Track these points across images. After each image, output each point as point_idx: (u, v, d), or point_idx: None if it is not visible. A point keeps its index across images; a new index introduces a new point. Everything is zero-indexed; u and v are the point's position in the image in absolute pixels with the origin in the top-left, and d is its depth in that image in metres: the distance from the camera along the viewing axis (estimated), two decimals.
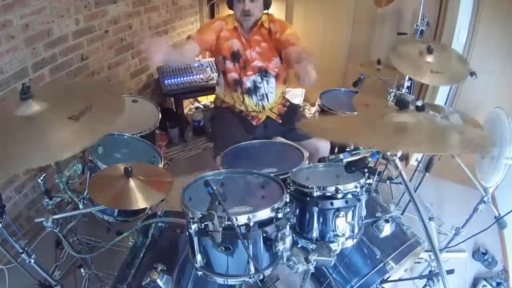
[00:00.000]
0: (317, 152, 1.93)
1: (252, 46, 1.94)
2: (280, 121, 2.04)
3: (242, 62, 1.95)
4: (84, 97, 1.12)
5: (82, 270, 1.61)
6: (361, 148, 1.15)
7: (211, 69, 3.03)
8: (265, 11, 1.94)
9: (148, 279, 1.07)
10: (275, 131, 2.06)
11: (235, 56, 1.94)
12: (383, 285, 1.31)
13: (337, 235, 1.11)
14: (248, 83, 1.97)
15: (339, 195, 1.09)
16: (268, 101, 2.01)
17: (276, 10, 1.88)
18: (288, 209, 1.05)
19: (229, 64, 1.96)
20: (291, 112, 2.07)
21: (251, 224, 0.96)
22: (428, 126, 1.05)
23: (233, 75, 1.98)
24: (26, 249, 1.19)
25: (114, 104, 1.12)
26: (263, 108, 2.02)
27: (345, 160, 1.14)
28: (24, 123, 0.98)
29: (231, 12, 1.97)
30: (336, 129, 1.19)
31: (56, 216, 1.24)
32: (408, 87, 2.19)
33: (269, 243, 1.02)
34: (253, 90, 1.99)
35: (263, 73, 1.97)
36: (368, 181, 1.15)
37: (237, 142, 1.70)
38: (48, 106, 1.02)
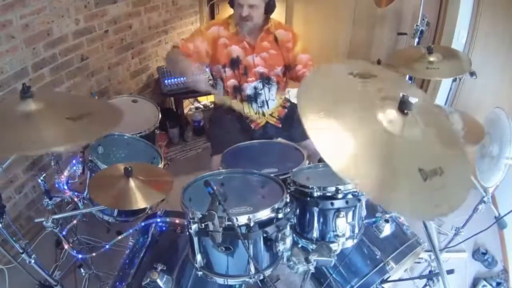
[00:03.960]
0: (318, 152, 1.91)
1: (257, 51, 1.88)
2: (280, 125, 2.00)
3: (242, 68, 1.88)
4: (84, 105, 1.13)
5: (82, 270, 1.61)
6: None
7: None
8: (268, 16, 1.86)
9: (148, 279, 1.07)
10: (274, 134, 2.03)
11: (234, 63, 1.87)
12: (383, 285, 1.31)
13: (337, 235, 1.11)
14: (248, 90, 1.92)
15: (340, 195, 1.09)
16: (268, 107, 1.98)
17: (276, 10, 1.87)
18: (289, 209, 1.05)
19: (228, 72, 1.89)
20: (291, 113, 2.04)
21: (252, 224, 0.96)
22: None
23: (233, 81, 1.92)
24: (26, 249, 1.20)
25: (113, 115, 1.13)
26: (263, 114, 1.99)
27: None
28: (22, 118, 0.98)
29: (231, 12, 1.89)
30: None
31: (56, 216, 1.24)
32: None
33: (270, 243, 1.02)
34: (253, 97, 1.94)
35: (265, 79, 1.92)
36: None
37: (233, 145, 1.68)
38: (47, 106, 1.01)
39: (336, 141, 0.77)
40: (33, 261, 1.21)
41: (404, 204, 0.77)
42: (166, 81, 2.94)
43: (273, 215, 1.00)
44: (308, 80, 0.93)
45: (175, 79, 2.94)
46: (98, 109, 1.15)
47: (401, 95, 0.82)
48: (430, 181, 0.77)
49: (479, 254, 2.03)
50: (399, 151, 0.80)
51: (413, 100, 0.80)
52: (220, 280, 1.05)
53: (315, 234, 1.15)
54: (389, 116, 0.82)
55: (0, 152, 0.99)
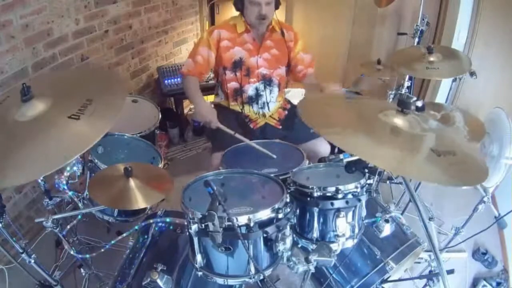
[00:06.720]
0: (316, 155, 1.90)
1: (261, 52, 1.86)
2: (280, 127, 1.98)
3: (244, 69, 1.87)
4: (83, 91, 1.08)
5: (82, 270, 1.61)
6: None
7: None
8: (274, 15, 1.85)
9: (148, 279, 1.07)
10: (273, 135, 1.99)
11: (237, 65, 1.86)
12: (383, 285, 1.31)
13: (337, 235, 1.11)
14: (250, 91, 1.90)
15: (340, 195, 1.09)
16: (269, 109, 1.97)
17: (276, 10, 1.86)
18: (289, 209, 1.05)
19: (229, 74, 1.88)
20: (292, 115, 2.02)
21: (252, 224, 0.96)
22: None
23: (234, 84, 1.90)
24: (26, 249, 1.19)
25: (116, 94, 1.08)
26: (263, 115, 1.98)
27: (345, 160, 1.14)
28: (26, 128, 0.95)
29: (232, 13, 1.89)
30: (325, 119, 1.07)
31: (56, 216, 1.24)
32: (408, 87, 2.19)
33: (270, 243, 1.02)
34: (255, 98, 1.92)
35: (267, 81, 1.91)
36: (368, 181, 1.15)
37: (233, 143, 1.68)
38: (48, 105, 1.00)
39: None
40: (33, 261, 1.21)
41: (426, 173, 0.85)
42: (166, 81, 2.94)
43: (273, 215, 1.00)
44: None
45: (175, 79, 2.94)
46: (95, 89, 1.09)
47: (399, 94, 0.84)
48: (445, 157, 0.85)
49: (479, 254, 2.02)
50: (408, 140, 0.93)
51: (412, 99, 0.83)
52: (220, 280, 1.04)
53: (315, 234, 1.15)
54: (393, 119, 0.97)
55: (26, 177, 0.89)
